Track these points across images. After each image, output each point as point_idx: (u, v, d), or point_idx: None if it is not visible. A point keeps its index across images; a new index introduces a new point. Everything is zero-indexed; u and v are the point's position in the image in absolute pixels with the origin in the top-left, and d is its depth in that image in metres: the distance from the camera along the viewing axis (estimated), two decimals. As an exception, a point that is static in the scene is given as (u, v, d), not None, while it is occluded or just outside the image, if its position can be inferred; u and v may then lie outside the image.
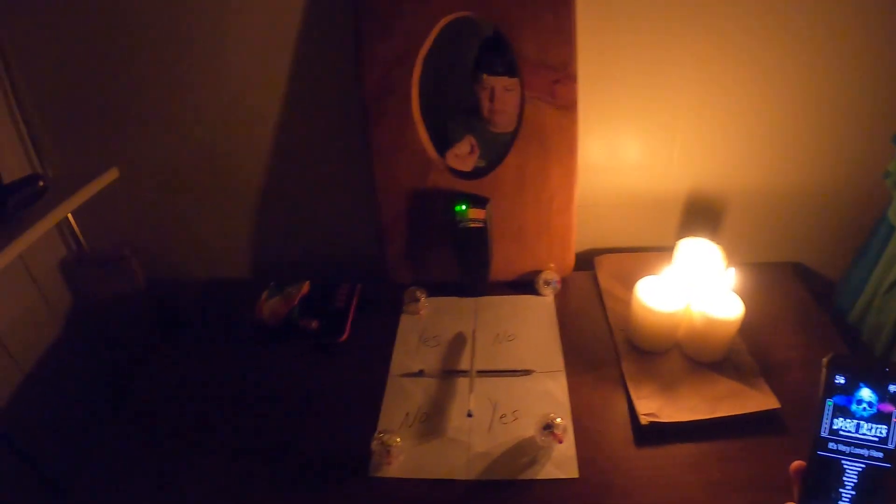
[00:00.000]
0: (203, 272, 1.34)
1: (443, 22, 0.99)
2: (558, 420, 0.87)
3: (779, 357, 1.03)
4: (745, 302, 0.97)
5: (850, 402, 0.55)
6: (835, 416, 0.55)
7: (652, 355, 1.03)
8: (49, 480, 1.13)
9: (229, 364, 1.08)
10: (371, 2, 0.98)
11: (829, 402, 0.55)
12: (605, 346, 1.07)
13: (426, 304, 1.14)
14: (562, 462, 0.87)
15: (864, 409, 0.55)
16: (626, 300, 1.09)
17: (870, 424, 0.54)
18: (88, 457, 0.94)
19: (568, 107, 1.02)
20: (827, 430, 0.55)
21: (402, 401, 0.98)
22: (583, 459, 0.88)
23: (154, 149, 1.18)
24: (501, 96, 1.07)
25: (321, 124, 1.15)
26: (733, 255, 1.05)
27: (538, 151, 1.06)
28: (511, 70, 1.04)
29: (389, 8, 0.98)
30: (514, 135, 1.07)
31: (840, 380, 0.55)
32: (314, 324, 1.09)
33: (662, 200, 1.24)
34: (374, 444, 0.87)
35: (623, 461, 0.88)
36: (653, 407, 0.93)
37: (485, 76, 1.06)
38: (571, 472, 0.86)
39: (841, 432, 0.55)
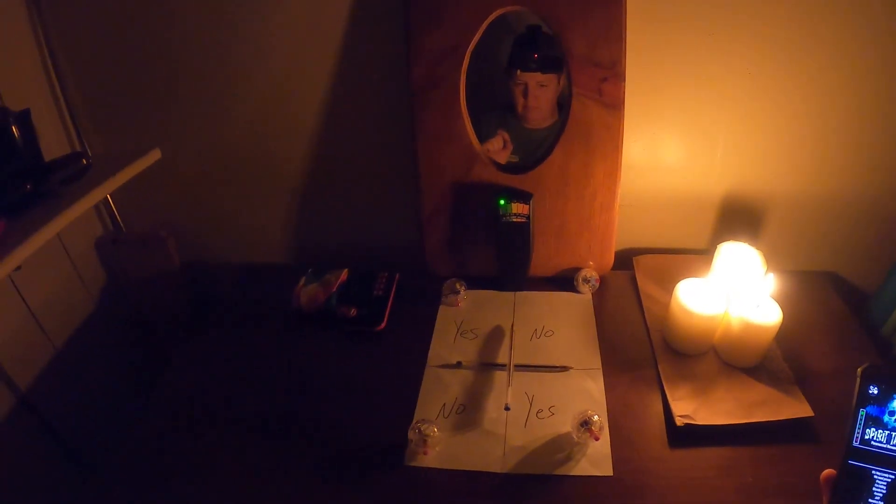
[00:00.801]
0: (240, 256, 1.35)
1: (494, 15, 0.99)
2: (595, 417, 0.88)
3: (813, 366, 1.03)
4: (781, 309, 0.98)
5: (883, 413, 0.55)
6: (867, 426, 0.55)
7: (688, 357, 1.04)
8: (75, 458, 1.15)
9: (264, 348, 1.09)
10: (423, -7, 0.98)
11: (862, 412, 0.55)
12: (642, 346, 1.08)
13: (465, 297, 1.15)
14: (597, 459, 0.88)
15: None
16: (663, 301, 1.09)
17: None
18: (117, 435, 0.96)
19: (615, 105, 1.02)
20: (859, 440, 0.55)
21: (439, 392, 0.98)
22: (617, 458, 0.88)
23: (195, 131, 1.19)
24: (535, 92, 1.08)
25: (366, 112, 1.15)
26: (770, 262, 1.05)
27: (583, 149, 1.06)
28: (545, 66, 1.04)
29: (440, 0, 0.98)
30: (551, 130, 1.07)
31: (873, 390, 0.55)
32: (352, 311, 1.09)
33: (702, 203, 1.23)
34: (412, 434, 0.88)
35: (657, 462, 0.89)
36: (688, 409, 0.93)
37: (518, 72, 1.06)
38: (606, 469, 0.86)
39: (873, 442, 0.55)
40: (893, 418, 0.55)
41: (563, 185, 1.09)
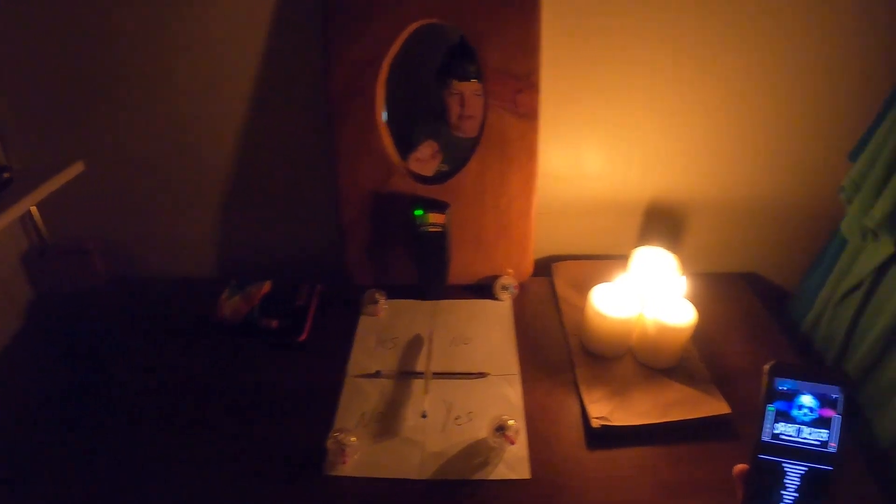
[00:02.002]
0: (167, 269, 1.33)
1: (411, 28, 1.01)
2: (511, 422, 0.89)
3: (731, 364, 1.05)
4: (699, 310, 1.00)
5: (791, 408, 0.57)
6: (777, 421, 0.57)
7: (606, 360, 1.05)
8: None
9: (189, 361, 1.07)
10: (340, 5, 0.99)
11: (771, 408, 0.57)
12: (560, 351, 1.09)
13: (385, 306, 1.15)
14: (514, 463, 0.88)
15: (806, 413, 0.56)
16: (581, 306, 1.11)
17: (811, 429, 0.56)
18: (44, 452, 0.93)
19: (529, 115, 1.04)
20: (769, 435, 0.57)
21: (359, 401, 0.98)
22: (535, 461, 0.89)
23: (119, 143, 1.18)
24: (471, 101, 1.10)
25: (288, 124, 1.15)
26: (691, 265, 1.08)
27: (499, 158, 1.08)
28: (480, 75, 1.06)
29: (358, 12, 0.99)
30: (474, 141, 1.09)
31: (782, 386, 0.57)
32: (274, 323, 1.09)
33: (622, 209, 1.26)
34: (330, 443, 0.88)
35: (575, 463, 0.90)
36: (604, 411, 0.94)
37: (454, 82, 1.08)
38: (523, 472, 0.87)
39: (783, 437, 0.56)
40: (802, 412, 0.56)
41: (479, 194, 1.11)
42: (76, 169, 1.13)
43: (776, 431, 0.56)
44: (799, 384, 0.57)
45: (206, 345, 1.11)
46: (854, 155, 1.07)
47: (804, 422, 0.56)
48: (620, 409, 0.95)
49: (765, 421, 0.57)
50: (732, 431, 0.94)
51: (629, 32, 1.06)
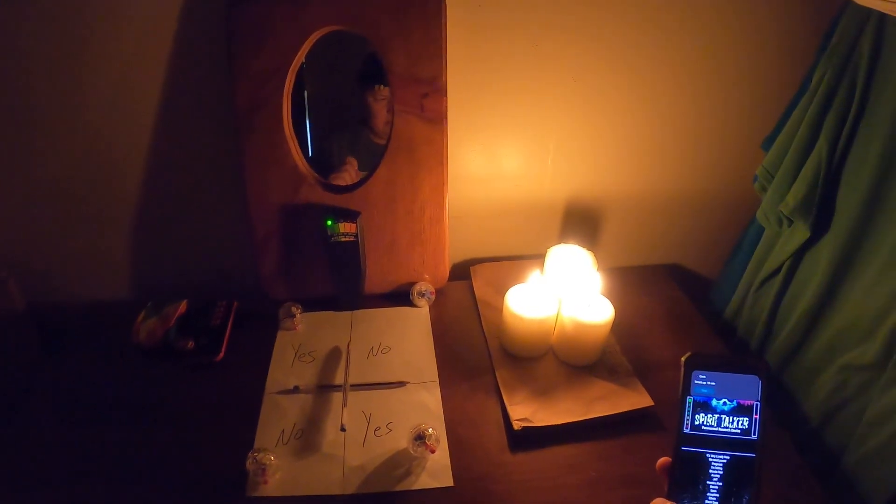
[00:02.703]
0: (85, 293, 1.28)
1: (314, 36, 0.99)
2: (430, 430, 0.88)
3: (654, 357, 1.07)
4: (620, 304, 1.01)
5: (710, 399, 0.57)
6: (696, 412, 0.57)
7: (526, 361, 1.05)
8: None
9: (108, 388, 1.03)
10: (242, 16, 0.97)
11: (689, 399, 0.57)
12: (480, 354, 1.09)
13: (302, 320, 1.13)
14: (436, 472, 0.87)
15: (725, 403, 0.57)
16: (500, 308, 1.11)
17: (732, 417, 0.56)
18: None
19: (437, 120, 1.03)
20: (689, 427, 0.57)
21: (278, 418, 0.96)
22: (458, 468, 0.88)
23: (23, 168, 1.12)
24: None
25: (196, 139, 1.12)
26: (613, 260, 1.09)
27: (408, 164, 1.07)
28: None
29: (260, 22, 0.97)
30: (382, 148, 1.08)
31: (699, 377, 0.57)
32: (190, 344, 1.06)
33: (539, 209, 1.26)
34: (249, 464, 0.86)
35: (499, 467, 0.89)
36: (526, 412, 0.94)
37: (380, 87, 1.07)
38: (446, 480, 0.86)
39: (703, 427, 0.57)
40: (721, 402, 0.57)
41: (390, 201, 1.10)
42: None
43: (697, 422, 0.57)
44: (716, 374, 0.58)
45: (123, 369, 1.07)
46: (767, 144, 1.09)
47: (724, 411, 0.56)
48: (543, 409, 0.95)
49: (684, 413, 0.57)
50: (657, 423, 0.95)
51: (538, 25, 1.05)
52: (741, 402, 0.56)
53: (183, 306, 1.12)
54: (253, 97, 1.01)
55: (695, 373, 0.58)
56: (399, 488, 0.86)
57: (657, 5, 1.05)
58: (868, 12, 0.89)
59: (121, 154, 1.12)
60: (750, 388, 0.57)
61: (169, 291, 1.16)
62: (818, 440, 0.97)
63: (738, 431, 0.56)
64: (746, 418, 0.56)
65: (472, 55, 1.06)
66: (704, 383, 0.57)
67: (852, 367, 0.92)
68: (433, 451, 0.87)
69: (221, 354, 1.06)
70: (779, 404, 1.03)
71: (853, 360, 0.92)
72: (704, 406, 0.57)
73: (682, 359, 0.58)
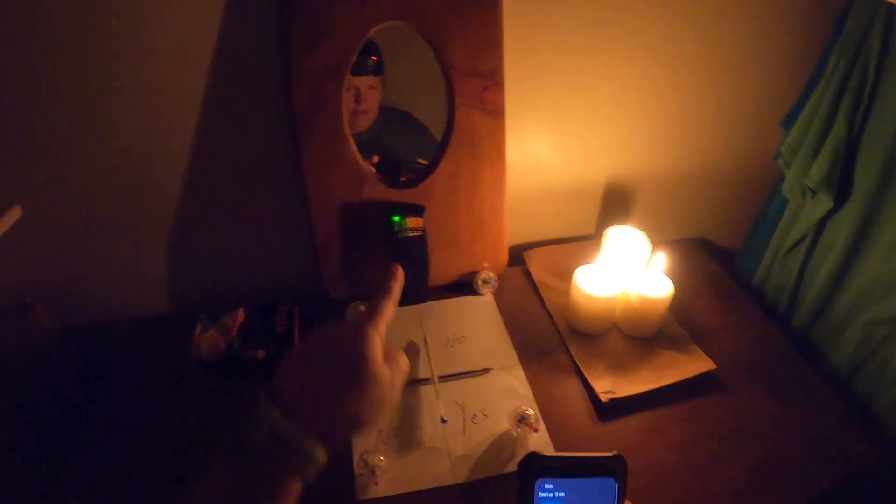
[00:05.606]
0: (125, 310, 1.21)
1: (372, 31, 0.98)
2: (530, 411, 0.91)
3: (702, 324, 1.14)
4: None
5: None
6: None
7: (593, 338, 1.10)
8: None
9: (170, 409, 0.99)
10: (298, 14, 0.94)
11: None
12: (549, 335, 1.12)
13: (371, 318, 1.12)
14: (540, 449, 0.88)
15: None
16: (559, 289, 1.15)
17: None
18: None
19: (497, 112, 1.05)
20: None
21: (372, 417, 0.96)
22: (557, 442, 0.92)
23: (60, 180, 1.03)
24: (367, 95, 1.08)
25: (247, 142, 1.07)
26: (647, 236, 1.14)
27: (469, 157, 1.08)
28: (377, 69, 1.06)
29: (318, 19, 0.95)
30: (373, 129, 1.09)
31: (545, 486, 0.59)
32: (261, 353, 1.03)
33: (582, 192, 1.30)
34: (359, 467, 0.86)
35: (593, 438, 0.94)
36: (608, 385, 1.00)
37: (348, 77, 1.04)
38: (551, 455, 0.90)
39: None
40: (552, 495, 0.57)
41: (452, 194, 1.11)
42: (14, 215, 0.99)
43: None
44: (565, 482, 0.57)
45: (185, 388, 1.02)
46: (786, 123, 1.19)
47: None
48: (621, 380, 1.01)
49: None
50: (718, 384, 1.02)
51: (581, 20, 1.07)
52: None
53: (241, 315, 1.08)
54: (312, 96, 0.99)
55: (538, 482, 0.55)
56: (508, 470, 0.88)
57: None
58: (877, 2, 0.98)
59: (164, 159, 1.05)
60: (606, 493, 0.55)
61: (217, 302, 1.12)
62: (847, 390, 1.08)
63: None
64: None
65: (518, 49, 1.06)
66: (551, 495, 0.55)
67: (876, 321, 1.03)
68: (536, 430, 0.91)
69: (295, 360, 1.03)
70: (809, 359, 1.12)
71: (876, 316, 1.03)
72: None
73: (518, 462, 0.56)
